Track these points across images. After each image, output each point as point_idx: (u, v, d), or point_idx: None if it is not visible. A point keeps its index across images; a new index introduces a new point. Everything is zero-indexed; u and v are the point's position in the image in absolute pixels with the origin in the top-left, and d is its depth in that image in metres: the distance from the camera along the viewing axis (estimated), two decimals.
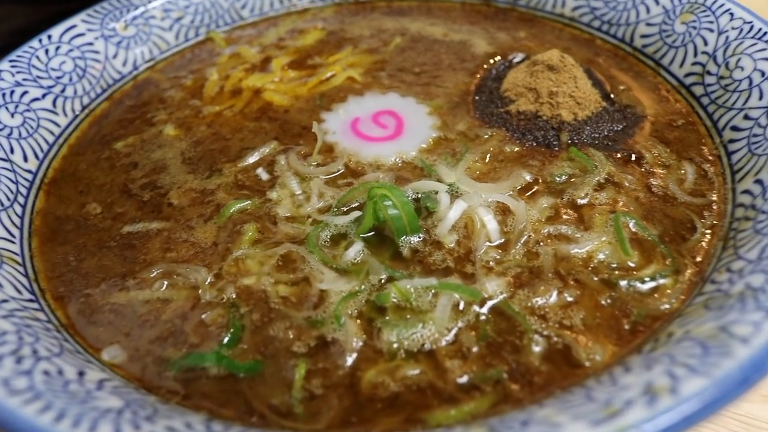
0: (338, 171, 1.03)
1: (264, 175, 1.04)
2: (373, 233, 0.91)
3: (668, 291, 0.82)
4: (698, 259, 0.86)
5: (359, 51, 1.34)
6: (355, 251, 0.88)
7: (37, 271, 0.94)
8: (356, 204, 0.96)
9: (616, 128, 1.09)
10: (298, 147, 1.09)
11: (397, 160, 1.04)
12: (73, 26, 1.29)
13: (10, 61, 1.19)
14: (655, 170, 1.00)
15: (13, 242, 0.97)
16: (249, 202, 0.99)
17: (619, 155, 1.03)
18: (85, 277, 0.93)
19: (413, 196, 0.95)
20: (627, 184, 0.97)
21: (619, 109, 1.13)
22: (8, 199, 1.02)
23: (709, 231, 0.90)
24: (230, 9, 1.47)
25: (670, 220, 0.92)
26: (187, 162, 1.09)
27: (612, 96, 1.16)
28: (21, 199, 1.04)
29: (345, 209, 0.95)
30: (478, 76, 1.24)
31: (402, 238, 0.89)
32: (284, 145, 1.10)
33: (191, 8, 1.43)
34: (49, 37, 1.25)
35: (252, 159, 1.07)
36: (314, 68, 1.30)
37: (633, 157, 1.03)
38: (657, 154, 1.03)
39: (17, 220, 1.00)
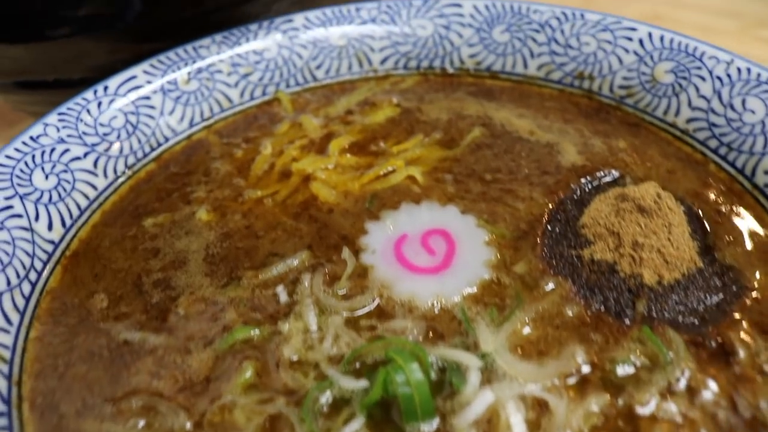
0: (364, 307, 0.90)
1: (283, 296, 0.92)
2: (380, 406, 0.77)
3: None
4: None
5: (430, 141, 1.19)
6: (352, 431, 0.75)
7: (23, 371, 0.87)
8: (371, 361, 0.82)
9: (710, 301, 0.89)
10: (328, 265, 0.96)
11: (435, 303, 0.89)
12: (133, 77, 1.22)
13: (59, 114, 1.13)
14: (746, 375, 0.80)
15: (8, 332, 0.90)
16: (257, 331, 0.87)
17: (706, 344, 0.83)
18: (67, 390, 0.85)
19: (439, 365, 0.81)
20: (706, 395, 0.78)
21: (719, 271, 0.92)
22: (18, 277, 0.95)
23: None
24: (304, 68, 1.36)
25: None
26: (209, 260, 0.99)
27: (714, 250, 0.95)
28: (33, 276, 0.97)
29: (358, 365, 0.82)
30: (557, 196, 1.06)
31: (410, 424, 0.75)
32: (316, 258, 0.97)
33: (262, 64, 1.33)
34: (105, 88, 1.19)
35: (276, 270, 0.95)
36: (375, 156, 1.17)
37: (722, 351, 0.83)
38: (755, 350, 0.82)
39: (21, 303, 0.94)
